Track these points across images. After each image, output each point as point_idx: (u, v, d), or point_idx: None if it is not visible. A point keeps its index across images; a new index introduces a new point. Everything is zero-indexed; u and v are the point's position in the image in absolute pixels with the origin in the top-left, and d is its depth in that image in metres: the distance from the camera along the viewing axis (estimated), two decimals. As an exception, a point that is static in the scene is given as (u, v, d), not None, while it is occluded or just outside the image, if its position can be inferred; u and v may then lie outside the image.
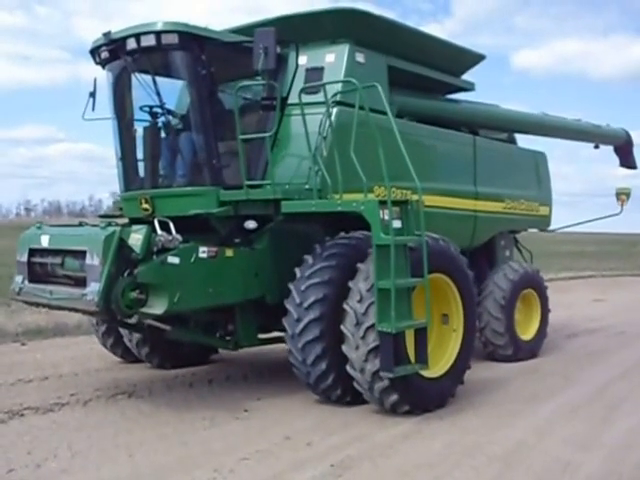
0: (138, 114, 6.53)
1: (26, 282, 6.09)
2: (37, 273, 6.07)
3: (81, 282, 5.49)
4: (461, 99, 8.89)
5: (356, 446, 4.92)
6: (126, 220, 6.80)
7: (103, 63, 6.53)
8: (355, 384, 5.69)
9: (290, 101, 6.56)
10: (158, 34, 5.95)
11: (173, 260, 5.50)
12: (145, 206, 6.39)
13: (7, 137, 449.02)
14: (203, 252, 5.73)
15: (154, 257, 5.47)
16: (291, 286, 5.86)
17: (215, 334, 6.81)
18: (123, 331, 7.30)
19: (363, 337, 5.46)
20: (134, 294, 5.36)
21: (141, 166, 6.66)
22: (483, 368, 7.62)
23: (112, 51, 6.25)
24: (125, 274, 5.38)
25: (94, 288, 5.29)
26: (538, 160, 9.85)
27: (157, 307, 5.45)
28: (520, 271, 8.37)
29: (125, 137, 6.72)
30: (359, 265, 5.70)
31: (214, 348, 7.70)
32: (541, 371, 7.72)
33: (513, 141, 9.85)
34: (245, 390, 6.63)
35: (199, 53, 6.10)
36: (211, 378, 7.09)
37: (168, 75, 6.53)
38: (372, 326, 5.41)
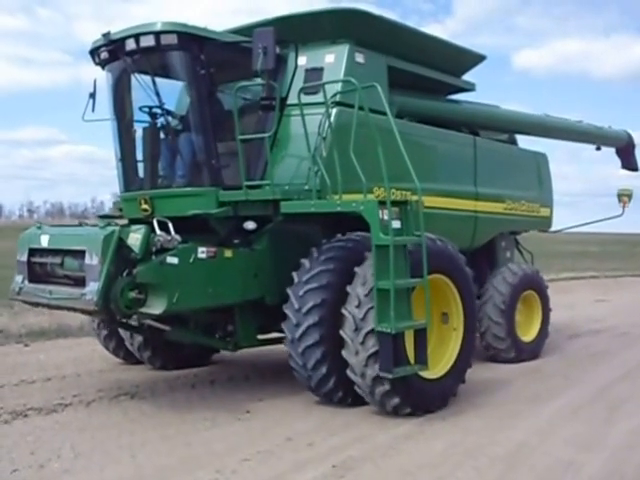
0: (138, 115, 6.52)
1: (26, 282, 6.09)
2: (37, 273, 6.07)
3: (80, 282, 5.49)
4: (461, 99, 8.87)
5: (358, 447, 4.90)
6: (126, 221, 6.79)
7: (102, 64, 6.53)
8: (356, 388, 5.67)
9: (289, 101, 6.54)
10: (157, 34, 5.94)
11: (172, 260, 5.49)
12: (144, 206, 6.38)
13: (9, 138, 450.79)
14: (202, 252, 5.72)
15: (153, 257, 5.48)
16: (289, 291, 5.84)
17: (215, 335, 6.80)
18: (124, 334, 7.29)
19: (362, 342, 5.44)
20: (133, 294, 5.36)
21: (141, 167, 6.66)
22: (484, 369, 7.60)
23: (111, 52, 6.24)
24: (124, 274, 5.38)
25: (93, 288, 5.29)
26: (539, 161, 9.82)
27: (156, 307, 5.44)
28: (519, 273, 8.33)
29: (125, 138, 6.71)
30: (356, 269, 5.67)
31: (215, 349, 7.68)
32: (543, 372, 7.69)
33: (514, 142, 9.82)
34: (247, 391, 6.62)
35: (198, 53, 6.09)
36: (213, 379, 7.08)
37: (167, 76, 6.52)
38: (371, 331, 5.38)
